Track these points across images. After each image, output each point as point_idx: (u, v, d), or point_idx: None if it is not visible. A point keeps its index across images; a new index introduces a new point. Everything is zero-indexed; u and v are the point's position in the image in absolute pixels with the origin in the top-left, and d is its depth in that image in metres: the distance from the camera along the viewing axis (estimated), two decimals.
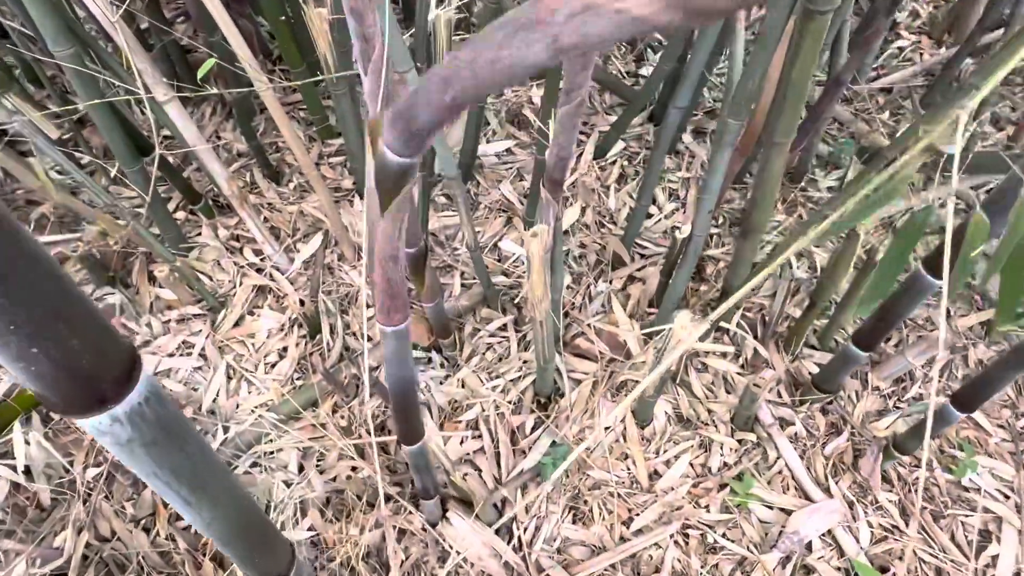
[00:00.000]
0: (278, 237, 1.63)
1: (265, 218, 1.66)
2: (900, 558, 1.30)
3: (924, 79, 1.93)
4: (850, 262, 1.35)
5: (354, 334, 1.51)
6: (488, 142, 1.78)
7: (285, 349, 1.50)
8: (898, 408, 1.46)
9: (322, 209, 1.59)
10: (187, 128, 1.27)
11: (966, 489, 1.38)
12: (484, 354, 1.48)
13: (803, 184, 1.71)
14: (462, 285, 1.56)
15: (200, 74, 0.98)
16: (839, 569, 1.27)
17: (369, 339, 1.51)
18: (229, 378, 1.46)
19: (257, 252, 1.60)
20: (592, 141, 1.76)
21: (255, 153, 1.67)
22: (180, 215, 1.67)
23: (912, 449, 1.30)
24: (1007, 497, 1.37)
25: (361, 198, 1.69)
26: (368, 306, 1.54)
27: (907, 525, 1.33)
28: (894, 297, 1.11)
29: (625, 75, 1.90)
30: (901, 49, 2.02)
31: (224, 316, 1.53)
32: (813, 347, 1.51)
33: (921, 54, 2.01)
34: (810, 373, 1.49)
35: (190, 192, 1.60)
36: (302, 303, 1.40)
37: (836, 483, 1.36)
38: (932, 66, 1.91)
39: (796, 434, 1.40)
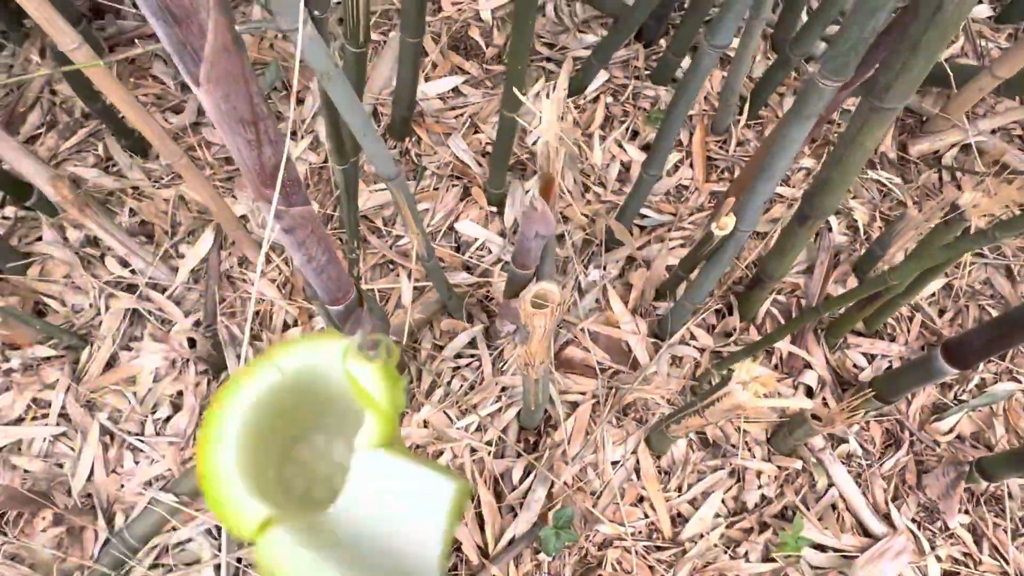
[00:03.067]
0: (152, 237, 1.20)
1: (132, 210, 1.21)
2: None
3: None
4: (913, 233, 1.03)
5: None
6: (427, 79, 1.34)
7: (180, 395, 1.11)
8: (959, 401, 1.19)
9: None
10: None
11: None
12: (450, 383, 1.13)
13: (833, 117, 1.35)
14: (414, 288, 1.17)
15: None
16: None
17: None
18: (106, 447, 1.08)
19: (125, 262, 1.17)
20: (565, 73, 1.34)
21: (103, 117, 1.20)
22: (8, 212, 1.21)
23: (1005, 476, 1.04)
24: None
25: None
26: (288, 326, 1.15)
27: (980, 550, 1.10)
28: (1022, 312, 0.80)
29: None
30: None
31: (89, 357, 1.12)
32: (859, 333, 1.21)
33: None
34: (855, 365, 1.20)
35: (14, 185, 1.14)
36: (192, 344, 1.00)
37: (899, 509, 1.10)
38: None
39: (849, 453, 1.13)
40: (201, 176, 0.99)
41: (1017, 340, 0.83)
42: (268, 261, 1.19)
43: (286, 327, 1.15)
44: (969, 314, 1.25)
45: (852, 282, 1.22)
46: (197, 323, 1.14)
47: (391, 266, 1.19)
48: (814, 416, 0.97)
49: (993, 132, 1.38)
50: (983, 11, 1.53)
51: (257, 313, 1.15)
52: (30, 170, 0.91)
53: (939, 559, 1.08)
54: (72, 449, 1.07)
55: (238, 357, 1.13)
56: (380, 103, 1.31)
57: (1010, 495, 1.14)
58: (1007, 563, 1.10)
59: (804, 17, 1.41)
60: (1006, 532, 1.11)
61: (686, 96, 0.89)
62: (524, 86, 0.99)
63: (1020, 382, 1.21)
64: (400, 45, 1.06)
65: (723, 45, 0.82)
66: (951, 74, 1.28)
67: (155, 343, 1.13)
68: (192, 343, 1.00)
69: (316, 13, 0.69)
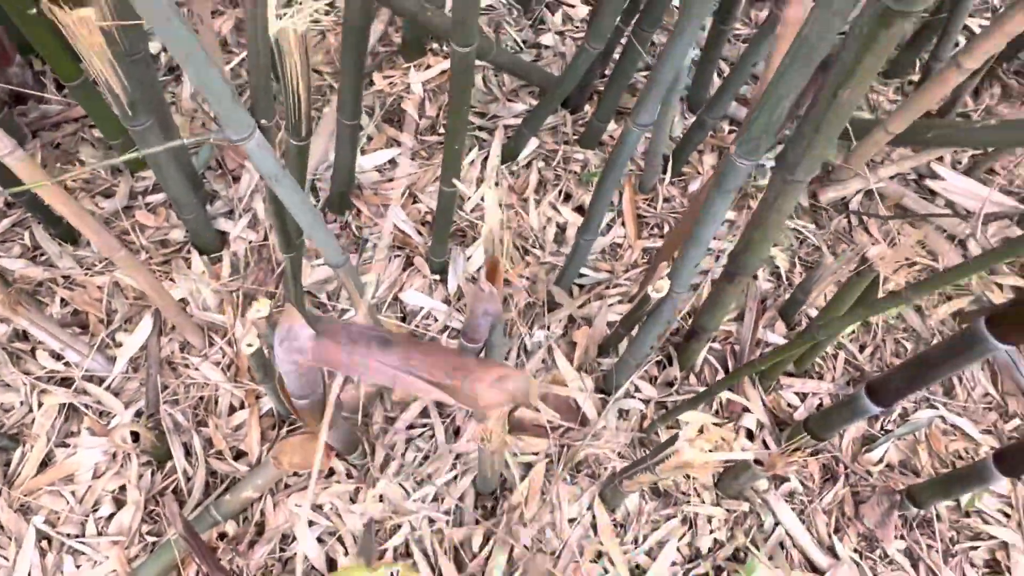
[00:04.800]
0: (86, 327, 1.16)
1: (63, 300, 1.18)
2: None
3: None
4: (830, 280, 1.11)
5: (220, 453, 1.10)
6: (363, 152, 1.36)
7: (123, 491, 1.07)
8: (886, 431, 1.27)
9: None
10: None
11: (967, 514, 1.23)
12: (403, 455, 1.13)
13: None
14: None
15: None
16: None
17: (240, 456, 1.11)
18: (43, 552, 1.03)
19: (58, 355, 1.13)
20: (497, 140, 1.39)
21: (29, 207, 1.17)
22: None
23: (931, 503, 1.11)
24: (1008, 516, 1.23)
25: (200, 252, 1.24)
26: (234, 409, 1.14)
27: (917, 572, 1.17)
28: (935, 353, 0.87)
29: (522, 46, 1.53)
30: None
31: (22, 457, 1.07)
32: (791, 373, 1.29)
33: None
34: (789, 405, 1.27)
35: None
36: (135, 437, 0.97)
37: (841, 541, 1.16)
38: None
39: (792, 491, 1.18)
40: (140, 265, 0.98)
41: (931, 378, 0.91)
42: (211, 344, 1.17)
43: (232, 410, 1.13)
44: (887, 348, 1.34)
45: (780, 326, 1.30)
46: (138, 413, 1.11)
47: None
48: (757, 462, 1.02)
49: (892, 178, 1.51)
50: None
51: (201, 398, 1.13)
52: None
53: None
54: (6, 559, 1.02)
55: (184, 445, 1.10)
56: (318, 178, 1.33)
57: (939, 517, 1.22)
58: None
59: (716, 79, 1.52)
60: (938, 553, 1.19)
61: (615, 169, 0.94)
62: (461, 164, 1.03)
63: (937, 408, 1.30)
64: (337, 127, 1.08)
65: (647, 124, 0.88)
66: (850, 128, 1.40)
67: (93, 438, 1.09)
68: (136, 437, 0.98)
69: (263, 122, 0.72)
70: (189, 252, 1.24)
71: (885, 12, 0.56)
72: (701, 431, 0.79)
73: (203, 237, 1.22)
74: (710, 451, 0.81)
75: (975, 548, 1.20)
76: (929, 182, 1.50)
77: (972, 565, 1.19)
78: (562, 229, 1.34)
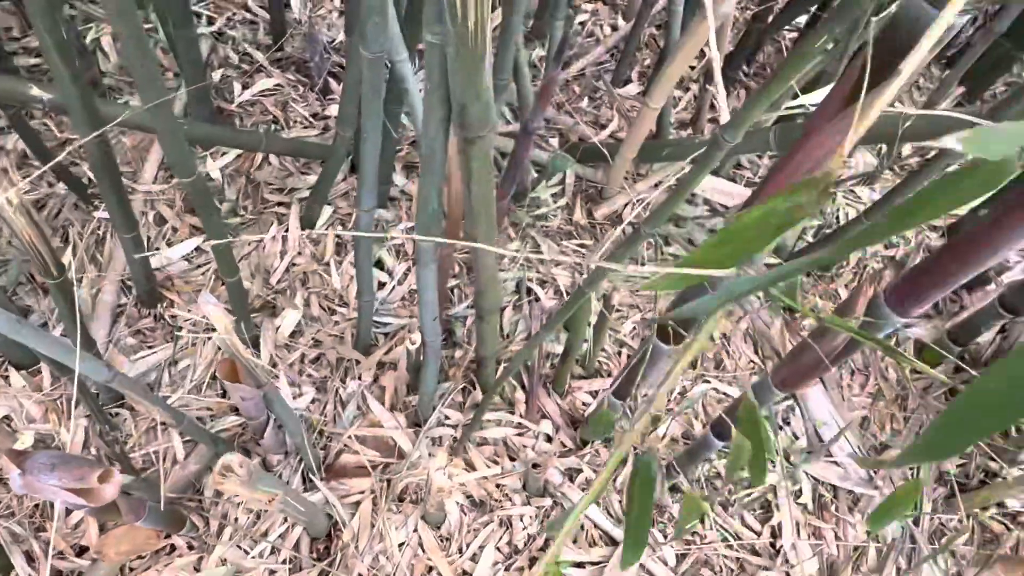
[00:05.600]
0: None
1: None
2: (707, 564, 1.35)
3: (611, 55, 1.93)
4: (588, 313, 1.31)
5: (61, 553, 1.19)
6: (170, 244, 1.47)
7: None
8: (670, 410, 1.49)
9: None
10: None
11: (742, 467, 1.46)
12: (236, 519, 1.25)
13: (527, 202, 1.64)
14: (185, 441, 1.29)
15: None
16: None
17: (83, 552, 1.20)
18: None
19: None
20: (295, 212, 1.52)
21: None
22: None
23: (687, 469, 1.33)
24: (773, 464, 1.47)
25: (17, 368, 1.32)
26: (70, 511, 1.23)
27: (704, 527, 1.38)
28: (636, 363, 1.07)
29: (312, 120, 1.66)
30: (583, 24, 2.00)
31: None
32: (582, 376, 1.48)
33: (602, 26, 2.00)
34: (584, 404, 1.46)
35: None
36: None
37: None
38: (616, 42, 1.91)
39: (587, 479, 1.37)
40: None
41: (631, 379, 1.11)
42: (47, 445, 1.25)
43: (69, 511, 1.22)
44: None
45: (564, 338, 1.49)
46: None
47: (163, 426, 1.30)
48: (534, 465, 1.20)
49: (656, 186, 1.73)
50: (634, 89, 1.91)
51: (36, 506, 1.22)
52: None
53: (672, 546, 1.35)
54: None
55: (25, 553, 1.18)
56: (126, 277, 1.42)
57: (719, 474, 1.44)
58: (726, 530, 1.38)
59: None
60: (720, 505, 1.41)
61: (362, 250, 1.10)
62: (234, 262, 1.16)
63: (710, 382, 1.53)
64: (120, 241, 1.19)
65: (371, 208, 1.04)
66: (606, 152, 1.62)
67: None
68: None
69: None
70: (7, 369, 1.31)
71: (465, 139, 0.73)
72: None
73: (17, 354, 1.29)
74: (455, 475, 0.98)
75: (750, 495, 1.42)
76: None
77: (751, 511, 1.42)
78: (360, 307, 1.49)
